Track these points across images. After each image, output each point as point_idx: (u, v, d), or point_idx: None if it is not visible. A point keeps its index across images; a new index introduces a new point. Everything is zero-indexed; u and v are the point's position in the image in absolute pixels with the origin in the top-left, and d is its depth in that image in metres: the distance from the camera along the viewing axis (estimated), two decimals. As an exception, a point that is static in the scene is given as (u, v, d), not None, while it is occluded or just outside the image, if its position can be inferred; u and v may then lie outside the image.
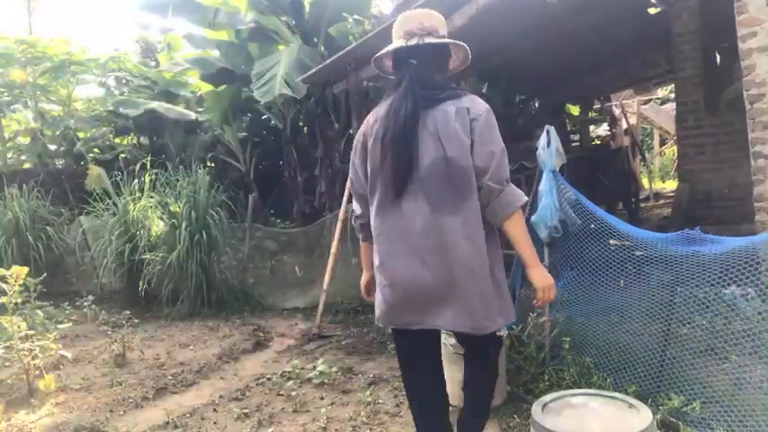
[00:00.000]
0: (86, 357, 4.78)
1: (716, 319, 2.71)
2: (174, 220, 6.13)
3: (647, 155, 14.96)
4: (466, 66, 2.30)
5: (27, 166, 11.76)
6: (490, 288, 2.03)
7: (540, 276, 2.10)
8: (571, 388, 2.78)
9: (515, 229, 2.04)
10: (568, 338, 3.23)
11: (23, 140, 12.34)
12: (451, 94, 2.07)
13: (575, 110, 12.81)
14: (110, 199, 6.65)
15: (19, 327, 3.82)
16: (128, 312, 5.16)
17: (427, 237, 2.00)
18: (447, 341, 3.15)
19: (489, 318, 2.03)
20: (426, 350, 2.25)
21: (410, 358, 2.27)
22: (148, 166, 6.77)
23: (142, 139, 12.13)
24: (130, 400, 3.69)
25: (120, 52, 12.50)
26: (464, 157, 1.99)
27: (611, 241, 3.04)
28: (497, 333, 2.18)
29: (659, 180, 15.97)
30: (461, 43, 2.18)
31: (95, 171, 9.63)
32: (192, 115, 10.37)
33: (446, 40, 2.13)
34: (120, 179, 6.61)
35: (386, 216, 2.09)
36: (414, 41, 2.07)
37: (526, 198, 2.07)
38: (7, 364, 4.21)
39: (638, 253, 2.95)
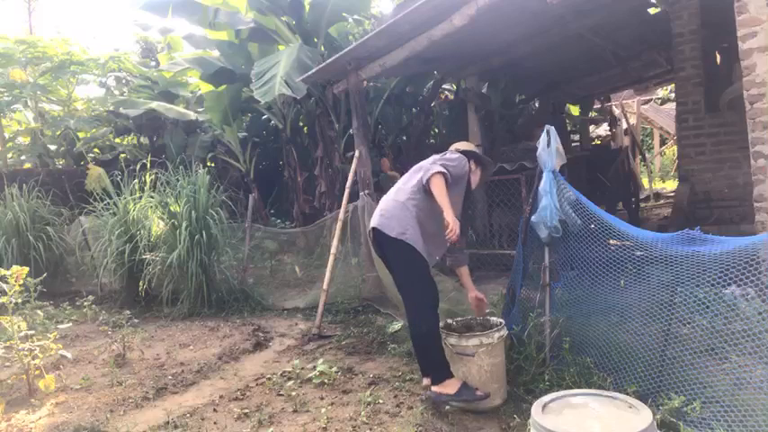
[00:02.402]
0: (86, 357, 4.78)
1: (716, 319, 2.71)
2: (173, 220, 6.12)
3: (647, 155, 14.96)
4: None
5: (27, 166, 11.77)
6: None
7: (451, 218, 3.04)
8: (571, 388, 2.78)
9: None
10: (568, 338, 3.23)
11: (23, 140, 12.35)
12: None
13: (575, 110, 12.82)
14: (110, 199, 6.65)
15: (19, 327, 3.82)
16: (128, 312, 5.16)
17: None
18: (447, 341, 3.15)
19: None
20: None
21: None
22: (148, 166, 6.77)
23: (142, 139, 12.13)
24: (130, 400, 3.69)
25: (120, 52, 12.52)
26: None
27: (611, 241, 3.04)
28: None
29: (659, 180, 15.97)
30: (463, 157, 3.42)
31: (95, 171, 9.64)
32: (192, 115, 10.37)
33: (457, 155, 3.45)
34: (121, 179, 6.61)
35: None
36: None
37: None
38: (7, 364, 4.22)
39: (638, 253, 2.95)
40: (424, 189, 3.22)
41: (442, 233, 3.10)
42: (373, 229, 3.28)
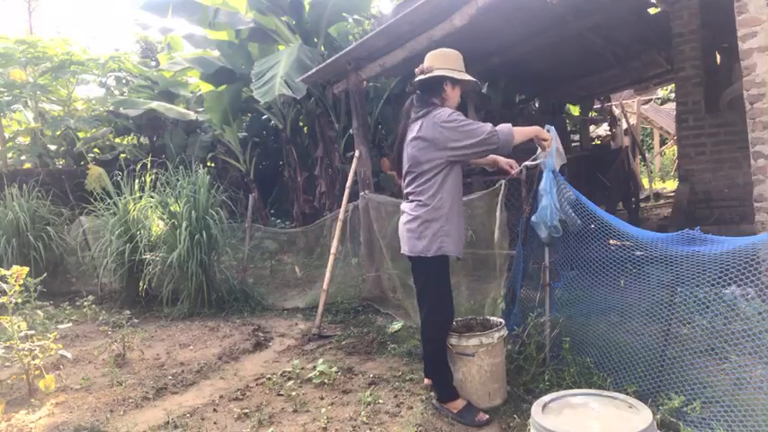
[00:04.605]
0: (86, 357, 4.78)
1: (716, 319, 2.71)
2: (174, 220, 6.12)
3: (647, 155, 14.96)
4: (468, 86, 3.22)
5: (27, 166, 11.78)
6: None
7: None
8: (571, 388, 2.78)
9: None
10: (568, 338, 3.23)
11: (23, 140, 12.35)
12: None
13: (575, 110, 12.82)
14: (110, 199, 6.65)
15: (19, 327, 3.82)
16: (128, 312, 5.16)
17: None
18: (447, 341, 3.15)
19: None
20: None
21: None
22: (148, 166, 6.77)
23: (142, 139, 12.14)
24: (130, 400, 3.69)
25: (120, 52, 12.53)
26: None
27: (611, 241, 3.04)
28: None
29: (659, 180, 15.98)
30: (437, 75, 3.06)
31: (95, 171, 9.65)
32: (192, 115, 10.37)
33: (425, 76, 3.07)
34: (121, 179, 6.61)
35: None
36: (417, 78, 3.13)
37: None
38: (7, 364, 4.22)
39: (638, 253, 2.94)
40: (441, 183, 3.02)
41: (462, 219, 3.13)
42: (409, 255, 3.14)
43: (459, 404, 3.05)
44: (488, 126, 2.90)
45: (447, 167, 3.00)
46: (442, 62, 3.09)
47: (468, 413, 3.00)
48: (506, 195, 5.94)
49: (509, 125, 2.93)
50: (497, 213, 3.33)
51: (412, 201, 3.13)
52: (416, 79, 3.11)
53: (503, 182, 3.45)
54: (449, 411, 3.06)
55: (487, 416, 2.98)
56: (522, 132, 3.00)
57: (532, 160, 3.29)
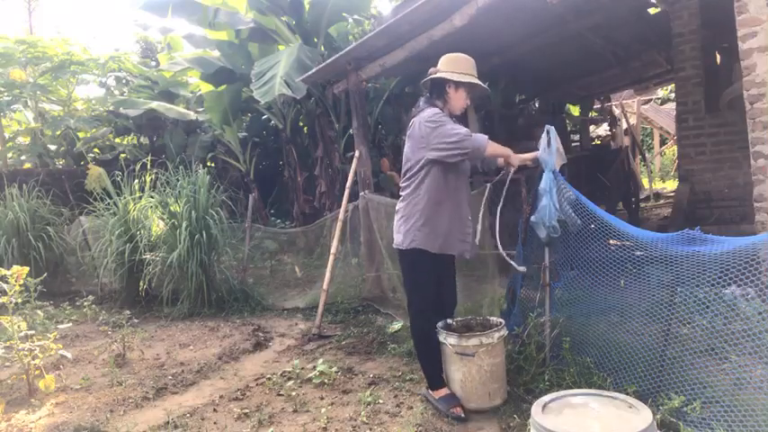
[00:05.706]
0: (86, 357, 4.78)
1: (716, 319, 2.71)
2: (174, 220, 6.12)
3: (647, 155, 14.96)
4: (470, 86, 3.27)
5: (27, 166, 11.78)
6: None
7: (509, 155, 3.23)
8: (571, 388, 2.77)
9: None
10: (568, 338, 3.23)
11: (23, 140, 12.35)
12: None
13: (575, 110, 12.82)
14: (110, 199, 6.65)
15: (19, 327, 3.83)
16: (128, 312, 5.16)
17: None
18: (446, 340, 3.15)
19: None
20: None
21: None
22: (148, 166, 6.77)
23: (142, 139, 12.14)
24: (130, 400, 3.69)
25: (120, 52, 12.54)
26: None
27: (611, 241, 3.04)
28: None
29: (659, 180, 15.97)
30: (438, 77, 3.20)
31: (95, 171, 9.65)
32: (192, 115, 10.37)
33: (431, 76, 3.22)
34: (121, 179, 6.60)
35: None
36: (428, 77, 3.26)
37: None
38: (7, 364, 4.22)
39: (638, 253, 2.94)
40: (421, 180, 3.14)
41: (460, 219, 3.18)
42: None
43: (442, 392, 3.16)
44: (463, 130, 3.01)
45: (428, 166, 3.10)
46: (447, 65, 3.24)
47: (444, 402, 3.10)
48: (507, 195, 5.94)
49: (485, 137, 3.04)
50: (479, 215, 3.44)
51: (400, 196, 3.33)
52: (422, 81, 3.27)
53: (488, 185, 3.62)
54: (431, 399, 3.18)
55: (463, 414, 3.02)
56: (496, 148, 3.12)
57: (503, 175, 3.44)
